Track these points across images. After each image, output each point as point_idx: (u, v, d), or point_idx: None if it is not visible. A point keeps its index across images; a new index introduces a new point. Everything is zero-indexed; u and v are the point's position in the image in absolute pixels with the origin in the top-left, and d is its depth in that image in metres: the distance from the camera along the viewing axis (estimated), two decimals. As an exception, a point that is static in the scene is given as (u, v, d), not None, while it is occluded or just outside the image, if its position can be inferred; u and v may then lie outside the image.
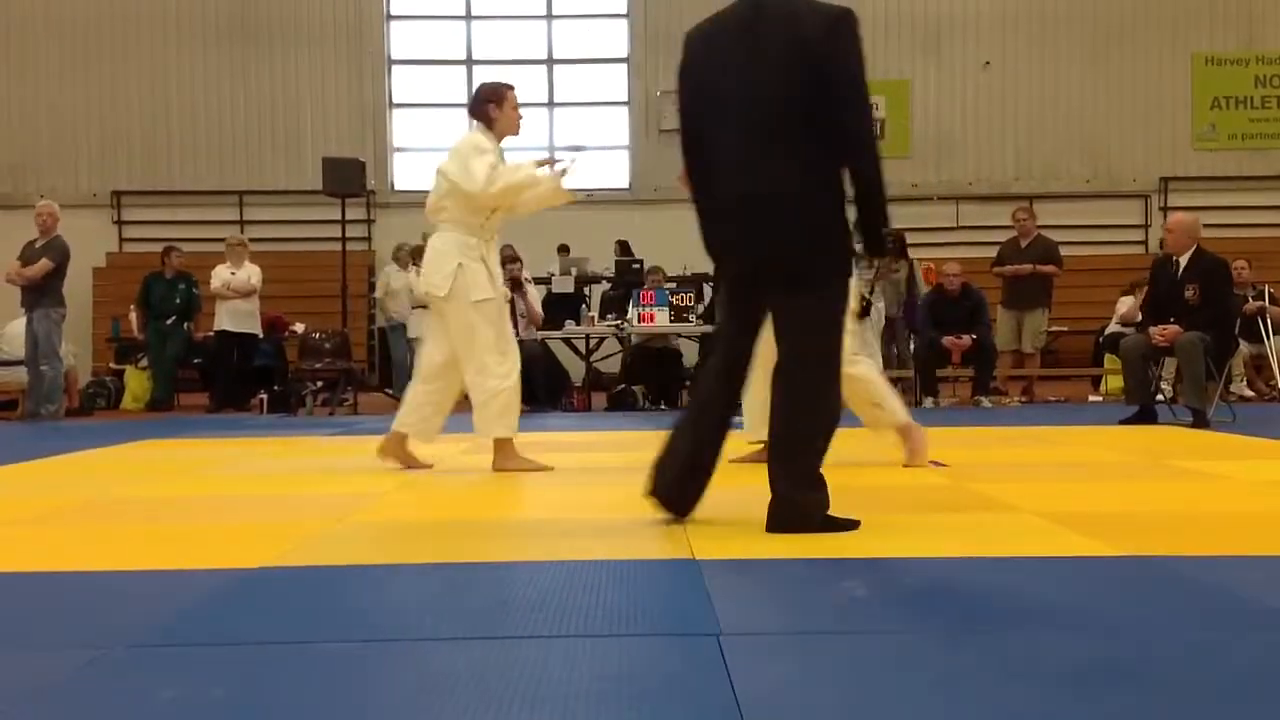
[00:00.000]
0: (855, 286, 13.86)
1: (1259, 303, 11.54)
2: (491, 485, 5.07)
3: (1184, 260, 7.97)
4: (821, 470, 3.53)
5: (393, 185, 16.49)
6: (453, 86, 16.54)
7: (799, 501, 3.46)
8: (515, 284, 11.03)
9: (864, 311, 11.61)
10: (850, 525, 3.49)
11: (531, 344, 11.25)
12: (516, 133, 5.51)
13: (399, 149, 16.71)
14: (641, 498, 3.69)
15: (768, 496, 3.52)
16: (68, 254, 10.56)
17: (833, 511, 3.51)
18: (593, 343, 11.83)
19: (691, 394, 3.59)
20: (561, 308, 12.31)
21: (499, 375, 5.32)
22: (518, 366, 5.43)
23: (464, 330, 5.31)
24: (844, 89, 3.43)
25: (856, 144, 3.48)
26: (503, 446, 5.42)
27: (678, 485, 3.65)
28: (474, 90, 5.56)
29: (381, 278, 13.38)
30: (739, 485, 4.49)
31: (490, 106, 5.39)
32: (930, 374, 10.67)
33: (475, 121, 5.46)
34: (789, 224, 3.47)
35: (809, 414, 3.51)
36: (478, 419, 5.40)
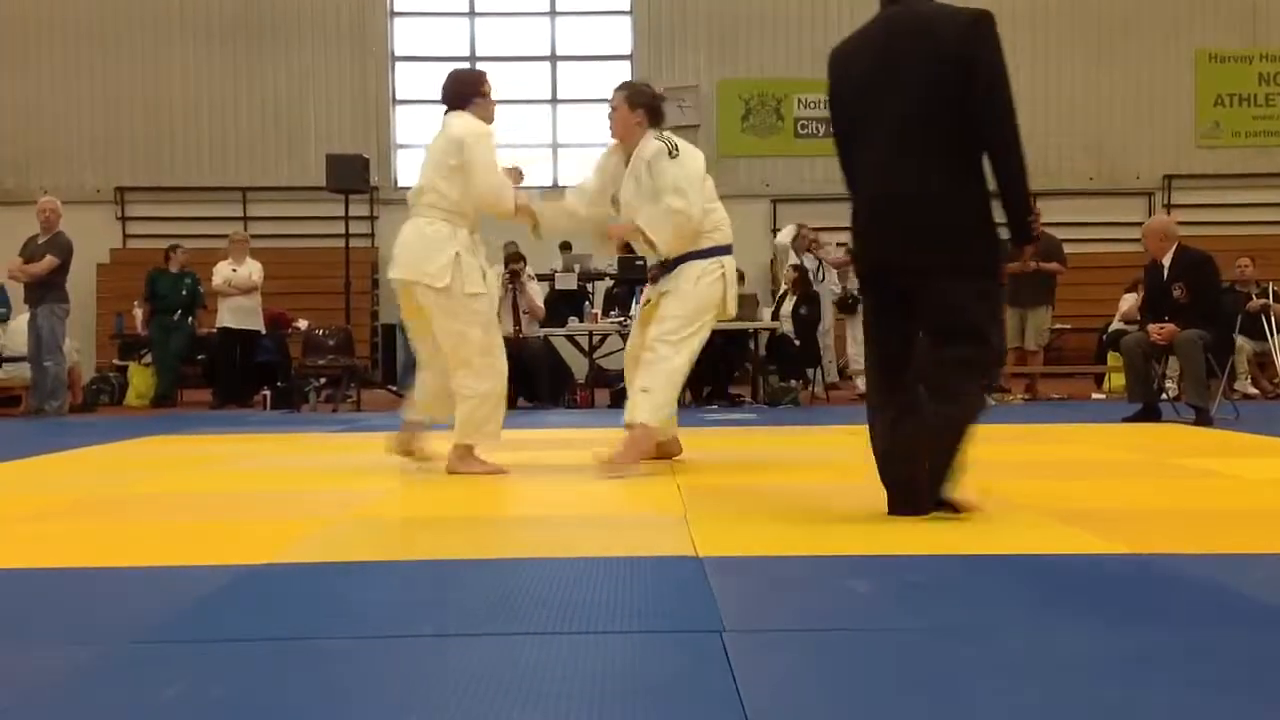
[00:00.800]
0: (829, 285, 13.55)
1: (1263, 300, 11.52)
2: (492, 482, 5.05)
3: (1167, 261, 8.00)
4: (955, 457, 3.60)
5: (396, 182, 16.49)
6: (456, 83, 16.55)
7: (925, 477, 3.56)
8: (514, 276, 11.03)
9: (850, 308, 11.63)
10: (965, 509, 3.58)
11: (534, 340, 11.25)
12: (492, 121, 5.41)
13: (402, 145, 16.73)
14: (645, 496, 3.67)
15: (768, 494, 3.51)
16: (71, 250, 10.57)
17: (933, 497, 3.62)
18: (596, 339, 11.82)
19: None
20: (565, 304, 12.30)
21: (491, 377, 5.13)
22: (505, 371, 5.20)
23: (456, 324, 5.09)
24: (987, 85, 3.51)
25: (1000, 140, 3.54)
26: (465, 451, 5.19)
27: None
28: (450, 81, 5.42)
29: None
30: (740, 482, 4.48)
31: (475, 96, 5.34)
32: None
33: (457, 111, 5.34)
34: (924, 224, 3.57)
35: (949, 404, 3.57)
36: (460, 420, 5.15)
